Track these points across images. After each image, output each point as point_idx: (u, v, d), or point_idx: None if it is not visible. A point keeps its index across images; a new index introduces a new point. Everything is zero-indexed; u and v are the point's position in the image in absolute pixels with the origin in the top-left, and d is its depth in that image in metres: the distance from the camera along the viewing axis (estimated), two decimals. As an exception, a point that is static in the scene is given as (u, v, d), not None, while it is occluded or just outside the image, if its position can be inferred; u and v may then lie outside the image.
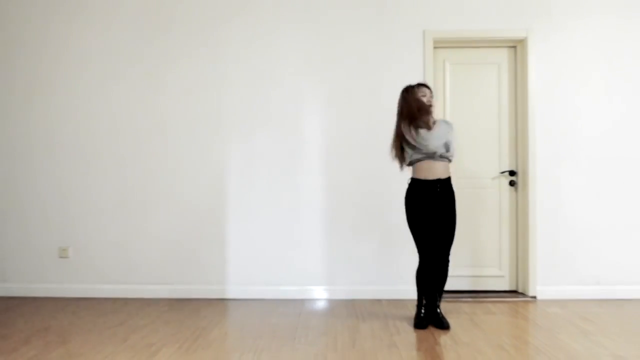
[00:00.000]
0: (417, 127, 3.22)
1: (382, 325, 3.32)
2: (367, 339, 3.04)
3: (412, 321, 3.35)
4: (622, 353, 2.76)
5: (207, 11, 4.17)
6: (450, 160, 3.30)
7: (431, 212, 3.24)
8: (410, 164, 3.32)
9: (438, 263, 3.24)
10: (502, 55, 4.23)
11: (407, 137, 3.22)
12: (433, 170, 3.23)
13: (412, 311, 3.60)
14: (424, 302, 3.30)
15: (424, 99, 3.26)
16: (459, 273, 4.14)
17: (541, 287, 4.02)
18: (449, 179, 3.29)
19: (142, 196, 4.17)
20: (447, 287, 4.15)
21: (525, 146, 4.10)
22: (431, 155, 3.21)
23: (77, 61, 4.20)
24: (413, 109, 3.23)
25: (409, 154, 3.27)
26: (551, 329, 3.20)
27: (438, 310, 3.30)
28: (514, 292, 4.16)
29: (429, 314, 3.29)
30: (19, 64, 4.23)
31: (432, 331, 3.18)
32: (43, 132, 4.21)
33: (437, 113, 3.57)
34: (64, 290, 4.16)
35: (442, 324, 3.23)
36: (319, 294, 4.10)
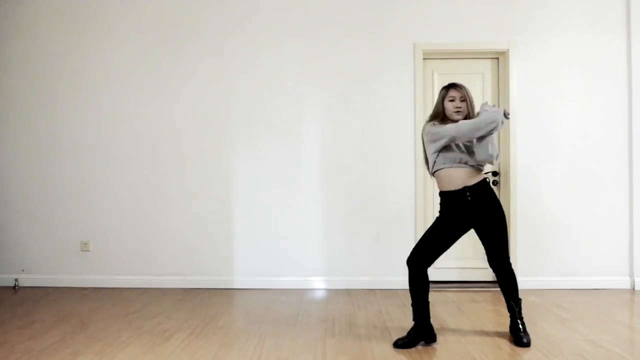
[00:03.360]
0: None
1: (376, 313, 3.33)
2: (362, 325, 3.05)
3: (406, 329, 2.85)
4: (595, 338, 2.77)
5: (215, 26, 4.18)
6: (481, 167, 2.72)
7: (465, 226, 2.70)
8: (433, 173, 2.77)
9: (502, 274, 2.69)
10: (486, 66, 4.24)
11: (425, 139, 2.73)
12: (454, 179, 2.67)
13: (403, 300, 3.60)
14: (413, 313, 2.70)
15: (451, 105, 2.71)
16: (447, 265, 4.14)
17: (521, 277, 4.01)
18: (480, 184, 2.68)
19: (157, 195, 4.18)
20: (435, 277, 4.18)
21: (507, 148, 4.10)
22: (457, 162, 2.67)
23: (99, 71, 4.22)
24: (436, 111, 2.76)
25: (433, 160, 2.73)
26: (531, 317, 3.20)
27: (519, 323, 2.69)
28: (497, 283, 4.16)
29: (421, 329, 2.66)
30: (47, 74, 4.24)
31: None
32: (68, 135, 4.22)
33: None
34: (85, 281, 4.16)
35: (522, 341, 2.63)
36: (318, 285, 4.11)
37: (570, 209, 4.09)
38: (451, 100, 2.71)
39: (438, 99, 2.77)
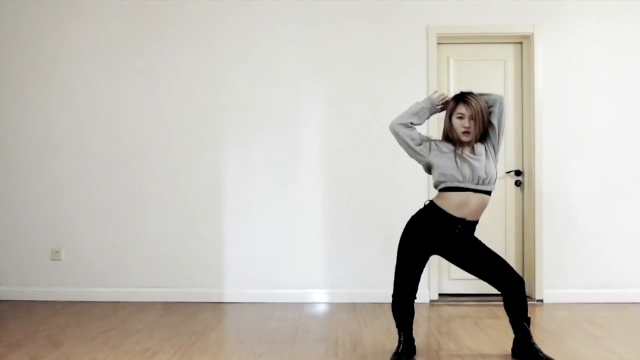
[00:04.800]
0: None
1: (384, 330, 3.31)
2: (368, 344, 3.03)
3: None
4: (631, 358, 2.75)
5: (204, 8, 4.17)
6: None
7: (433, 251, 2.75)
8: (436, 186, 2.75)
9: (514, 294, 2.65)
10: (508, 52, 4.22)
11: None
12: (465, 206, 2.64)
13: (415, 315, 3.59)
14: (402, 339, 2.74)
15: (459, 123, 2.66)
16: (464, 276, 4.11)
17: (548, 290, 4.01)
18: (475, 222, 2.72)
19: (137, 197, 4.16)
20: (451, 290, 4.17)
21: (532, 145, 4.09)
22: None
23: (72, 60, 4.20)
24: (444, 126, 2.77)
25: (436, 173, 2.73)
26: (559, 334, 3.19)
27: (533, 343, 2.64)
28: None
29: (407, 347, 2.73)
30: (13, 63, 4.22)
31: (435, 336, 3.18)
32: (36, 131, 4.21)
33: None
34: (56, 294, 4.14)
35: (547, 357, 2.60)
36: (319, 298, 4.10)
37: (602, 213, 4.07)
38: (459, 118, 2.65)
39: (446, 111, 2.73)
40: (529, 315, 2.69)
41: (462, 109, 2.64)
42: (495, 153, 2.72)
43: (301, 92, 4.15)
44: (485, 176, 2.61)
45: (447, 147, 2.69)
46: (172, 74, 4.17)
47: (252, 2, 4.16)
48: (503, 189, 4.20)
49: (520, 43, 4.21)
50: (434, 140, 2.75)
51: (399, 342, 2.74)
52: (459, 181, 2.61)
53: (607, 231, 4.06)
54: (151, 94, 4.18)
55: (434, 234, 2.69)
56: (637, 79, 4.09)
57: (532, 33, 4.07)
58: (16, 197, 4.21)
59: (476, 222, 2.72)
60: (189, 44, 4.17)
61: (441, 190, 2.69)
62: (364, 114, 4.12)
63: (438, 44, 4.15)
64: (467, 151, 2.66)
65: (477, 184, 2.62)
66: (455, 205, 2.62)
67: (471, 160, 2.62)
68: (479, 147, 2.68)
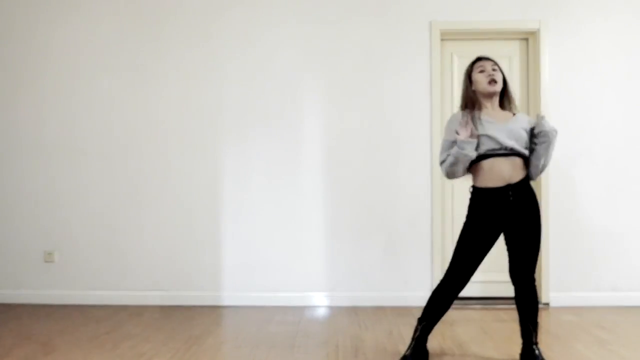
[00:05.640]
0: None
1: (386, 334, 3.29)
2: (370, 348, 3.01)
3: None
4: (642, 364, 2.73)
5: (201, 4, 4.15)
6: (524, 156, 2.61)
7: (500, 230, 2.64)
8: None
9: (525, 290, 2.65)
10: (514, 48, 4.20)
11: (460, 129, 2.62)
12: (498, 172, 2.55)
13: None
14: (418, 333, 2.69)
15: (482, 75, 2.60)
16: (468, 278, 4.10)
17: (554, 293, 3.98)
18: (523, 182, 2.60)
19: (133, 197, 4.14)
20: (455, 293, 4.14)
21: (538, 144, 4.06)
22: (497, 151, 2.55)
23: (65, 56, 4.18)
24: (464, 96, 2.69)
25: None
26: (566, 338, 3.18)
27: (534, 348, 2.63)
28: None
29: (419, 353, 2.69)
30: (4, 60, 4.20)
31: (438, 340, 3.15)
32: (28, 129, 4.18)
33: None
34: (49, 297, 4.12)
35: None
36: (320, 301, 4.08)
37: (611, 214, 4.05)
38: (481, 71, 2.61)
39: (464, 78, 2.68)
40: (538, 320, 2.66)
41: (481, 63, 2.62)
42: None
43: (300, 89, 4.12)
44: (507, 144, 2.52)
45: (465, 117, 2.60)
46: (167, 71, 4.15)
47: (251, -2, 4.14)
48: (508, 189, 4.17)
49: (526, 39, 4.19)
50: (457, 132, 2.59)
51: (412, 339, 2.68)
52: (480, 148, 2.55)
53: (616, 232, 4.04)
54: (146, 92, 4.16)
55: (493, 213, 2.57)
56: (646, 76, 4.07)
57: (539, 29, 4.05)
58: (8, 198, 4.19)
59: (526, 182, 2.58)
60: (185, 41, 4.15)
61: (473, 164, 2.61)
62: (365, 113, 4.10)
63: (441, 40, 4.13)
64: (493, 110, 2.62)
65: (502, 148, 2.53)
66: (484, 175, 2.56)
67: (487, 125, 2.55)
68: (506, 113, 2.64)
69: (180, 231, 4.12)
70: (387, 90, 4.09)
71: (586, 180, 4.05)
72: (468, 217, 2.66)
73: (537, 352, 2.61)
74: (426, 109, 4.08)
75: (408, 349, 2.69)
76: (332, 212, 4.10)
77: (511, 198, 2.54)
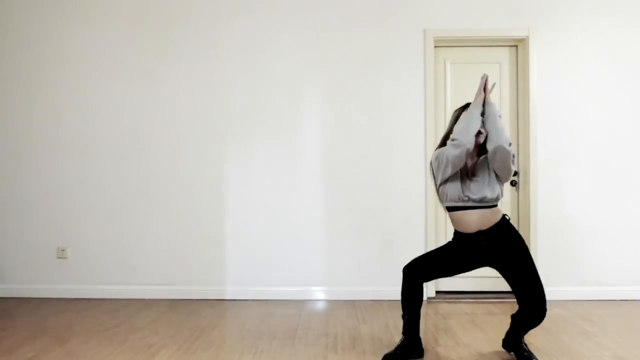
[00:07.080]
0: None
1: (383, 327, 3.33)
2: (367, 340, 3.05)
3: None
4: (624, 354, 2.77)
5: (208, 12, 4.19)
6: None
7: (477, 266, 2.70)
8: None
9: (534, 309, 2.58)
10: (504, 55, 4.25)
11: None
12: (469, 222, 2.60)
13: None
14: (406, 328, 2.69)
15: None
16: (459, 274, 4.15)
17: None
18: (496, 226, 2.60)
19: (141, 196, 4.19)
20: (448, 287, 4.19)
21: (527, 146, 4.12)
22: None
23: (79, 63, 4.22)
24: (447, 134, 2.66)
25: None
26: (553, 330, 3.21)
27: (523, 345, 2.66)
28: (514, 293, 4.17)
29: (410, 344, 2.69)
30: (22, 65, 4.24)
31: (432, 332, 3.20)
32: (44, 131, 4.23)
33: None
34: (62, 291, 4.17)
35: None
36: (319, 295, 4.12)
37: (596, 212, 4.10)
38: None
39: (451, 119, 2.67)
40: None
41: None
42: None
43: (301, 94, 4.17)
44: (477, 197, 2.55)
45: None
46: (176, 78, 4.19)
47: (255, 6, 4.18)
48: (499, 188, 4.22)
49: (516, 46, 4.24)
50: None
51: (402, 333, 2.70)
52: (454, 200, 2.61)
53: (601, 229, 4.09)
54: (156, 96, 4.20)
55: (469, 252, 2.64)
56: (628, 81, 4.11)
57: (527, 36, 4.10)
58: (23, 196, 4.23)
59: (501, 224, 2.60)
60: (194, 49, 4.19)
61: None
62: (363, 117, 4.14)
63: (435, 47, 4.17)
64: (471, 163, 2.62)
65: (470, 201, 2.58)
66: (457, 224, 2.64)
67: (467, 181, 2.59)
68: (482, 163, 2.61)
69: (187, 229, 4.16)
70: (383, 95, 4.13)
71: (572, 180, 4.10)
72: (452, 243, 2.72)
73: (524, 346, 2.66)
74: (420, 113, 4.12)
75: (401, 340, 2.72)
76: (331, 211, 4.15)
77: (482, 243, 2.59)
